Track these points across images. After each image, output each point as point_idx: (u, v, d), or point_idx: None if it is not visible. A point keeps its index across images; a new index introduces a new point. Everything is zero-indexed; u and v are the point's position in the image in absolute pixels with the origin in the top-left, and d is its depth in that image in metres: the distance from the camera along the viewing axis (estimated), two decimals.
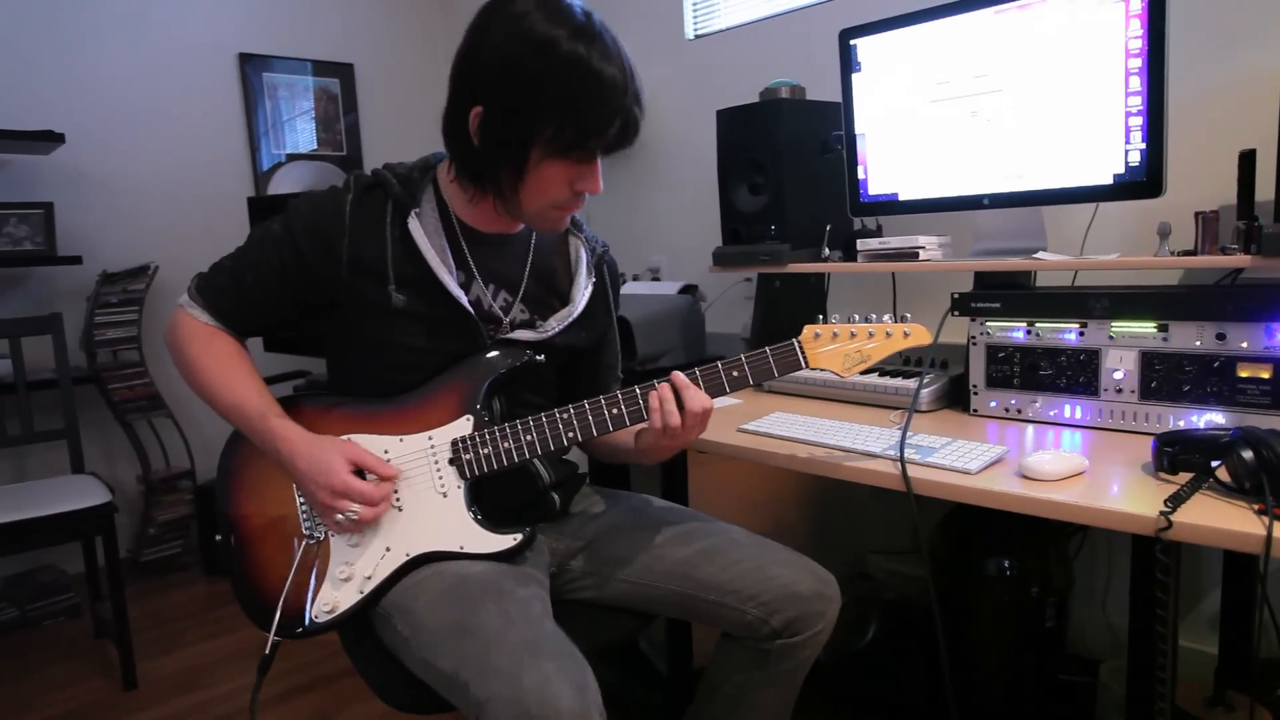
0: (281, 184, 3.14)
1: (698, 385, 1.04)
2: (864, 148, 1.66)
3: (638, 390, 1.06)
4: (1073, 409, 1.30)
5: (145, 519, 2.74)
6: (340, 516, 1.03)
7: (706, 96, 2.44)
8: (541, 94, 0.94)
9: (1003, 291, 1.39)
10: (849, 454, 1.20)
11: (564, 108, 0.94)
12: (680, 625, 1.59)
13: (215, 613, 2.44)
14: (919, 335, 1.08)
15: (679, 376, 1.04)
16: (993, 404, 1.39)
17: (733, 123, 1.85)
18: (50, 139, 2.41)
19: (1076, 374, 1.29)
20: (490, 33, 0.96)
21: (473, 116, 0.98)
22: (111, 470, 2.79)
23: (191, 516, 2.79)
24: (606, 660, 0.93)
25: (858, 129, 1.66)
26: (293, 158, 3.18)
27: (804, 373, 1.58)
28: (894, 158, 1.63)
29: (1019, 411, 1.36)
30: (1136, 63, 1.30)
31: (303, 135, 3.20)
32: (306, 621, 1.07)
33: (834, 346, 1.08)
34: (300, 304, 1.12)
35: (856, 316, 1.10)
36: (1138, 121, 1.32)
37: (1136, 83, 1.31)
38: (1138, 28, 1.29)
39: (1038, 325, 1.34)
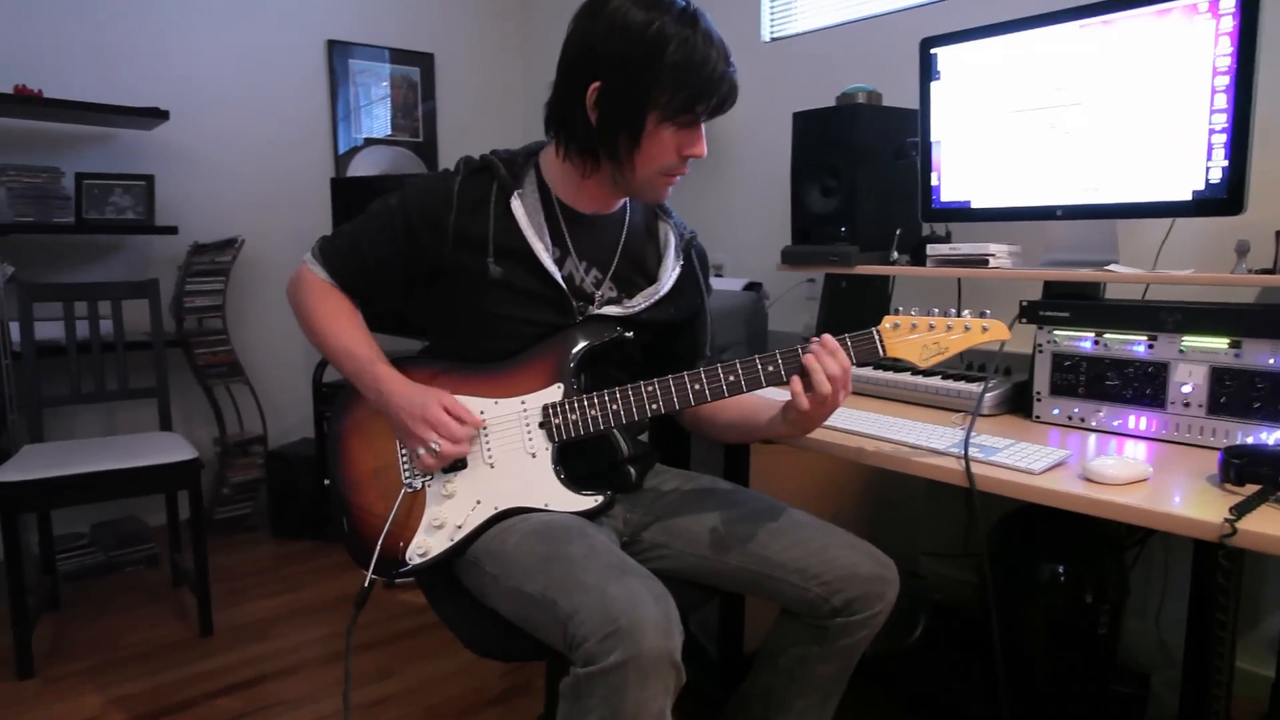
0: (359, 167, 3.27)
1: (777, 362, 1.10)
2: (938, 154, 1.69)
3: (720, 367, 1.12)
4: (1138, 420, 1.32)
5: (219, 479, 2.89)
6: (423, 450, 1.12)
7: (780, 98, 2.48)
8: (657, 63, 1.05)
9: (1074, 301, 1.41)
10: (914, 450, 1.24)
11: (677, 75, 1.05)
12: (733, 609, 1.64)
13: (283, 570, 2.57)
14: (997, 331, 1.09)
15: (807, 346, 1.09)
16: (1055, 411, 1.41)
17: (809, 125, 1.89)
18: (156, 115, 2.56)
19: (1143, 386, 1.31)
20: (601, 19, 1.08)
21: (590, 91, 1.08)
22: (190, 431, 2.94)
23: (262, 480, 2.93)
24: None
25: (933, 136, 1.69)
26: (370, 142, 3.30)
27: (866, 371, 1.63)
28: (968, 166, 1.65)
29: (1082, 420, 1.38)
30: (1224, 80, 1.31)
31: (379, 121, 3.33)
32: (402, 563, 1.16)
33: (913, 337, 1.10)
34: (409, 275, 1.23)
35: (936, 310, 1.11)
36: (1221, 139, 1.33)
37: (1222, 100, 1.32)
38: (1227, 45, 1.30)
39: (1106, 336, 1.35)
